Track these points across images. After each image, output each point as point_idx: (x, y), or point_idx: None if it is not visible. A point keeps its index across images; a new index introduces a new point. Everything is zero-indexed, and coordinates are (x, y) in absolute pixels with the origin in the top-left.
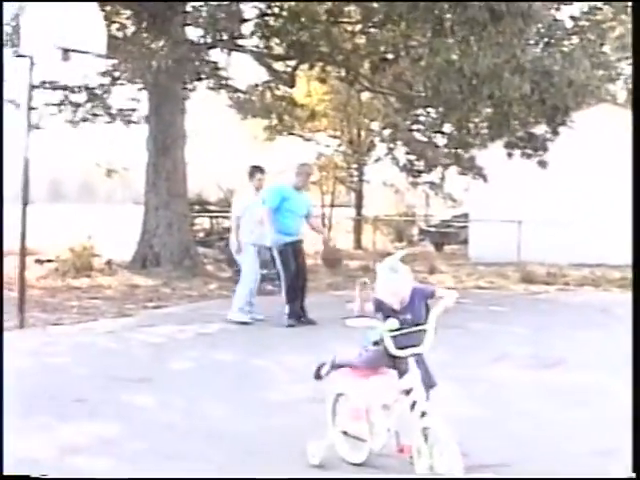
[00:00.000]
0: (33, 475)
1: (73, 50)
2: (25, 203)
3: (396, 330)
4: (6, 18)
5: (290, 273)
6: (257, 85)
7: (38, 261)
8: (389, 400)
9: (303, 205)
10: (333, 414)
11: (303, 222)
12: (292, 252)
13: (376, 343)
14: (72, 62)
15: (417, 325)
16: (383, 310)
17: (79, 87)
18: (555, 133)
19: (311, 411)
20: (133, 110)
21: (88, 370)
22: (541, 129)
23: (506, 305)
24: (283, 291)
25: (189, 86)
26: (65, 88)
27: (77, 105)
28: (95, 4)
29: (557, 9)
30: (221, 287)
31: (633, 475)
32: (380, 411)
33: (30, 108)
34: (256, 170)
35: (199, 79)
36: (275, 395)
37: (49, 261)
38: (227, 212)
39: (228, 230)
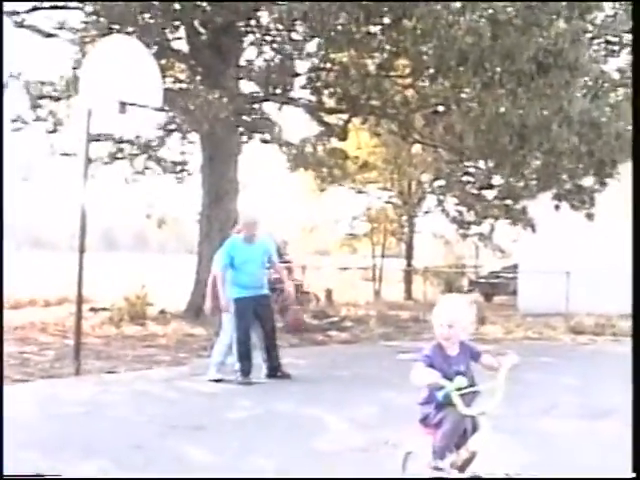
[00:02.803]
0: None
1: (130, 103)
2: (82, 251)
3: (464, 388)
4: (66, 69)
5: (242, 329)
6: (309, 138)
7: (93, 309)
8: (458, 459)
9: (257, 255)
10: (403, 471)
11: (264, 273)
12: (249, 306)
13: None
14: (128, 115)
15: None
16: (435, 364)
17: (134, 140)
18: (603, 184)
19: (362, 461)
20: (185, 163)
21: (143, 418)
22: (589, 181)
23: (555, 356)
24: (234, 347)
25: (242, 139)
26: (120, 141)
27: (132, 157)
28: (152, 59)
29: (604, 62)
30: None
31: (633, 475)
32: (450, 469)
33: (87, 159)
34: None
35: (252, 132)
36: (326, 445)
37: (103, 309)
38: (279, 262)
39: (280, 280)
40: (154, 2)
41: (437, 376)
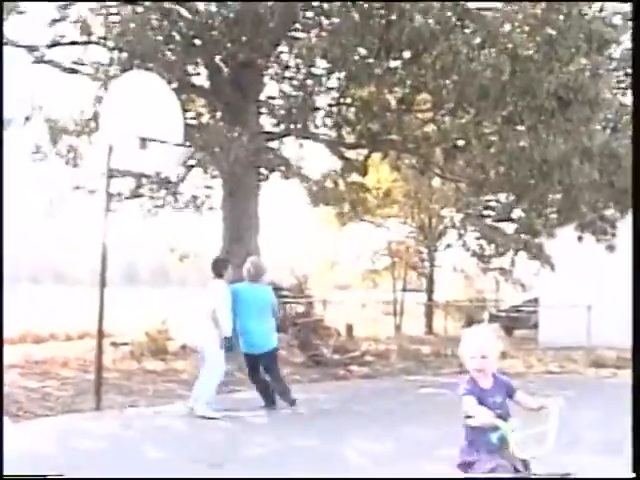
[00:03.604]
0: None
1: (151, 139)
2: (103, 286)
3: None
4: (87, 105)
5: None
6: (329, 174)
7: (113, 344)
8: None
9: None
10: None
11: None
12: None
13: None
14: (149, 150)
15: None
16: (475, 396)
17: (154, 177)
18: (624, 213)
19: None
20: (205, 197)
21: (164, 453)
22: (609, 212)
23: (576, 389)
24: (281, 383)
25: (262, 174)
26: (140, 176)
27: (152, 192)
28: (173, 94)
29: (623, 94)
30: (294, 372)
31: (633, 475)
32: None
33: (108, 194)
34: (228, 263)
35: (272, 169)
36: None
37: (124, 344)
38: (301, 297)
39: (302, 315)
40: (176, 38)
41: (491, 415)
